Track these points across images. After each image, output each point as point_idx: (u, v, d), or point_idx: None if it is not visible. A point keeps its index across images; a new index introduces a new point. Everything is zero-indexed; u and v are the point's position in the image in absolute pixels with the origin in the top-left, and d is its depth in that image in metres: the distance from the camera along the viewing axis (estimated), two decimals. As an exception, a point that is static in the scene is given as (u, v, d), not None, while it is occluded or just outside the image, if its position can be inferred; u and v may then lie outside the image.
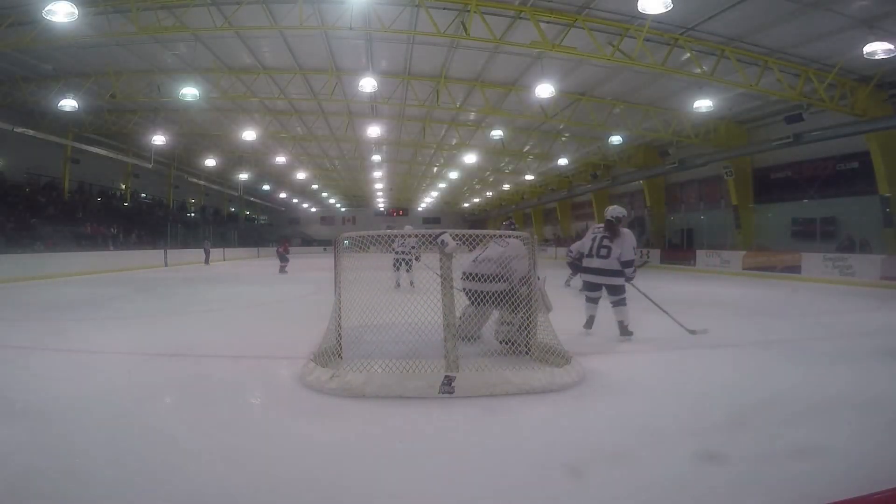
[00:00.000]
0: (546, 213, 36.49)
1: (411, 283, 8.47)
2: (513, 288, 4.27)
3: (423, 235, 3.84)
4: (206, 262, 23.35)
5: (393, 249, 9.43)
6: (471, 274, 4.54)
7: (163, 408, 3.27)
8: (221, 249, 27.25)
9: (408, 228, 8.04)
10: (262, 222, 47.92)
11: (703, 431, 2.79)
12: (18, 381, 3.77)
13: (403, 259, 9.41)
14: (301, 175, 31.72)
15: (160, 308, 8.24)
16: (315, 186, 40.17)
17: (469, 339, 4.54)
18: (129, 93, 15.66)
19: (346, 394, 3.33)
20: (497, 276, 4.37)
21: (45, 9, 8.92)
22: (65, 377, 3.92)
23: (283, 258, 17.26)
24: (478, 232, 4.51)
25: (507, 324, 4.42)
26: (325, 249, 39.13)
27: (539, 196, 33.90)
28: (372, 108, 18.41)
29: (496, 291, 4.31)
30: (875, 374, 3.98)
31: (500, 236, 4.77)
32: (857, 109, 12.64)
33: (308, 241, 46.18)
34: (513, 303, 4.19)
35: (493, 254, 4.59)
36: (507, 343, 4.40)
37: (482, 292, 4.42)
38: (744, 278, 14.51)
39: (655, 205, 23.20)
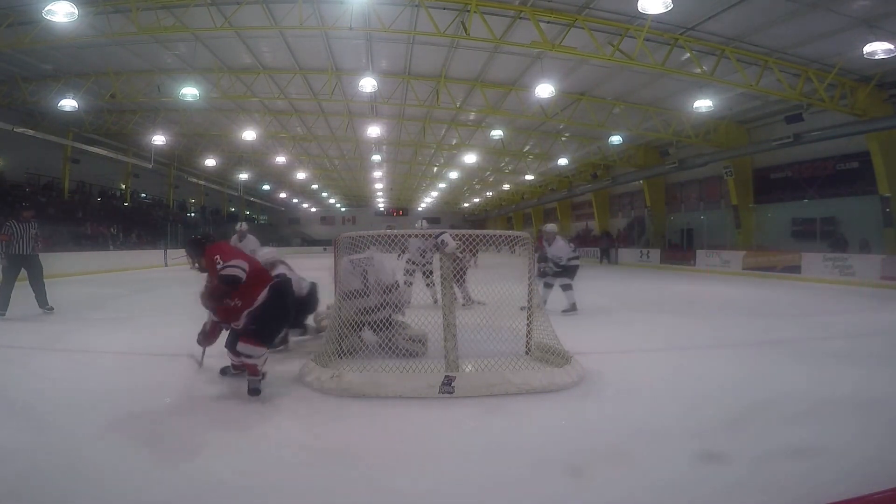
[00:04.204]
0: (546, 213, 36.48)
1: None
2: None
3: (424, 235, 3.86)
4: None
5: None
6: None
7: (162, 408, 3.27)
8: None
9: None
10: (263, 222, 47.88)
11: (702, 432, 2.79)
12: (19, 381, 3.77)
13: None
14: (301, 175, 31.71)
15: (160, 308, 8.23)
16: (315, 186, 40.18)
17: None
18: (129, 93, 15.66)
19: (346, 394, 3.33)
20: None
21: (45, 9, 8.91)
22: (65, 377, 3.91)
23: None
24: (478, 232, 4.52)
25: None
26: (324, 249, 39.14)
27: (539, 196, 33.89)
28: (372, 108, 18.40)
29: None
30: (875, 374, 3.97)
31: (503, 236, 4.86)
32: (857, 109, 12.63)
33: (308, 241, 46.14)
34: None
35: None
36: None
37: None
38: (744, 278, 14.51)
39: (655, 205, 23.19)
